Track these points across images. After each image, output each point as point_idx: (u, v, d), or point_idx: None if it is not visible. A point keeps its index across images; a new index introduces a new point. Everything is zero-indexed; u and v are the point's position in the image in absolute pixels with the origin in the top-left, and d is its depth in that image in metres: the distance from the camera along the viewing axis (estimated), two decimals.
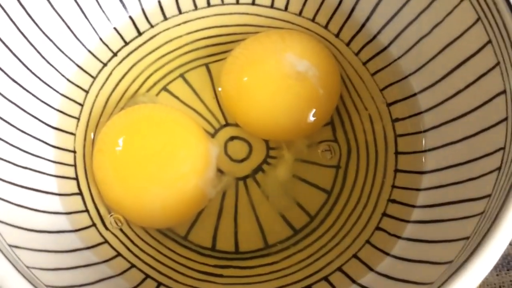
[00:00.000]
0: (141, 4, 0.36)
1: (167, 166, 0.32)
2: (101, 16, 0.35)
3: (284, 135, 0.35)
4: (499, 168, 0.27)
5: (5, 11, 0.31)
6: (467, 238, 0.26)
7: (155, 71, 0.36)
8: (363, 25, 0.36)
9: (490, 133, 0.29)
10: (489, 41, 0.29)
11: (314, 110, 0.34)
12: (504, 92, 0.28)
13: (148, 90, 0.36)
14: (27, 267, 0.26)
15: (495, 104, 0.29)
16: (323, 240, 0.33)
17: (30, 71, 0.32)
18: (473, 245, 0.25)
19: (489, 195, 0.27)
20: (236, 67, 0.35)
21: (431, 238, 0.30)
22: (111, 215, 0.33)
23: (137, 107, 0.34)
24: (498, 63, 0.29)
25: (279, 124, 0.34)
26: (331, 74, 0.35)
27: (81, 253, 0.31)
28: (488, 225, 0.25)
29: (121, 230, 0.33)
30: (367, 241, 0.32)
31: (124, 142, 0.32)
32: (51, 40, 0.33)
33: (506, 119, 0.28)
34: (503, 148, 0.28)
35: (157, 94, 0.36)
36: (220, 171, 0.34)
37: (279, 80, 0.33)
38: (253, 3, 0.37)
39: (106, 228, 0.32)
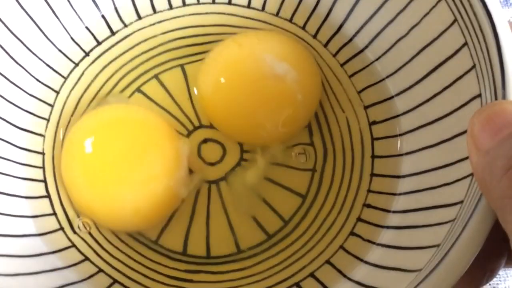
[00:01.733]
0: (114, 3, 0.35)
1: (137, 167, 0.31)
2: (72, 14, 0.34)
3: (261, 139, 0.34)
4: (472, 174, 0.27)
5: None
6: (438, 245, 0.26)
7: (129, 71, 0.35)
8: (340, 27, 0.35)
9: (465, 138, 0.28)
10: (466, 43, 0.29)
11: (292, 115, 0.33)
12: (479, 95, 0.28)
13: (121, 91, 0.35)
14: None
15: (471, 108, 0.28)
16: (297, 245, 0.32)
17: None
18: (442, 253, 0.24)
19: (461, 202, 0.26)
20: (213, 69, 0.34)
21: (404, 244, 0.29)
22: (79, 219, 0.32)
23: (107, 107, 0.33)
24: (474, 66, 0.28)
25: (256, 129, 0.33)
26: (311, 78, 0.34)
27: (45, 258, 0.30)
28: (458, 233, 0.24)
29: (89, 233, 0.32)
30: (341, 247, 0.32)
31: (93, 143, 0.31)
32: (19, 39, 0.33)
33: None
34: None
35: (131, 95, 0.35)
36: (192, 172, 0.33)
37: (258, 83, 0.33)
38: (229, 3, 0.36)
39: (74, 232, 0.32)
